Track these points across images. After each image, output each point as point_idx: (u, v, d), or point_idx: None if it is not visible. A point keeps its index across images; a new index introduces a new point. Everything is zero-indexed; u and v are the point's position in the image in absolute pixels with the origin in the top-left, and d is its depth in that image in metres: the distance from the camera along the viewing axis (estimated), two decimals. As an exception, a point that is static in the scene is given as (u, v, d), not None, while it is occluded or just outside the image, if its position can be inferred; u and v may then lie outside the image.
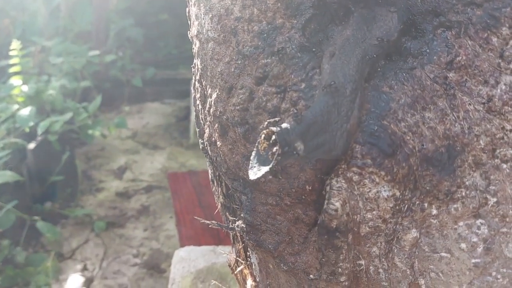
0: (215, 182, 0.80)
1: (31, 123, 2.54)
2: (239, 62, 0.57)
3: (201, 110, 0.70)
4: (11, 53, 2.87)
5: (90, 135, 2.96)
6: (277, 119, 0.48)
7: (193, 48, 0.67)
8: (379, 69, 0.52)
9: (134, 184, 2.81)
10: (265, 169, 0.47)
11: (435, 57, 0.48)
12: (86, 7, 4.72)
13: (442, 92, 0.47)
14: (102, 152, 3.25)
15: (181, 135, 3.69)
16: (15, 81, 2.79)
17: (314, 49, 0.52)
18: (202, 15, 0.60)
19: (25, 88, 2.70)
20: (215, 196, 0.84)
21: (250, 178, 0.47)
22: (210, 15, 0.58)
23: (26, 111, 2.53)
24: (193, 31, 0.65)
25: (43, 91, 2.74)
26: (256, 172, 0.48)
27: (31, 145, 2.36)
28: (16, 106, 2.67)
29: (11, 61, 2.85)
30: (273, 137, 0.46)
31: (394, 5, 0.51)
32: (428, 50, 0.48)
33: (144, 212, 2.51)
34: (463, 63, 0.46)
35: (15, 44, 2.81)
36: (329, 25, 0.54)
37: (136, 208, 2.55)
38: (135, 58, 4.94)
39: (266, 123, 0.49)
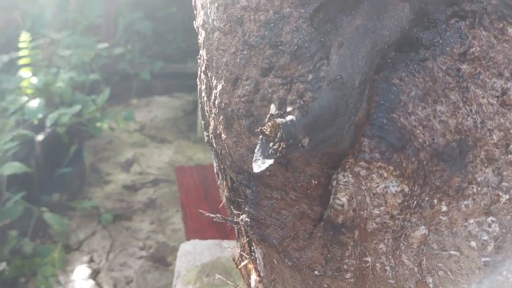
0: (220, 175, 0.79)
1: (40, 115, 2.55)
2: (245, 52, 0.55)
3: (206, 102, 0.69)
4: (20, 45, 2.87)
5: (98, 128, 2.97)
6: (280, 111, 0.47)
7: (199, 39, 0.66)
8: (389, 60, 0.50)
9: (141, 177, 2.81)
10: (269, 162, 0.46)
11: (447, 48, 0.46)
12: (96, 0, 4.72)
13: (454, 84, 0.45)
14: (110, 145, 3.25)
15: (188, 128, 3.69)
16: (24, 73, 2.80)
17: (322, 39, 0.51)
18: (208, 4, 0.59)
19: (34, 80, 2.70)
20: (220, 189, 0.83)
21: (254, 171, 0.45)
22: (216, 4, 0.57)
23: (35, 103, 2.54)
24: (199, 21, 0.64)
25: (52, 84, 2.74)
26: (260, 165, 0.47)
27: (40, 137, 2.37)
28: (25, 98, 2.68)
29: (21, 53, 2.86)
30: (279, 129, 0.45)
31: (406, -7, 0.49)
32: (440, 41, 0.47)
33: (151, 205, 2.51)
34: (477, 54, 0.45)
35: (25, 37, 2.82)
36: (338, 15, 0.52)
37: (143, 201, 2.55)
38: (143, 51, 4.94)
39: (270, 115, 0.47)
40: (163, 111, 4.11)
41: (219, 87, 0.60)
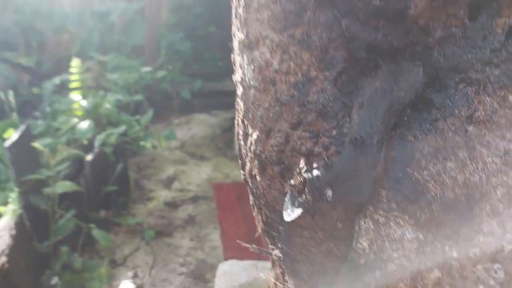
0: (255, 208, 0.86)
1: (89, 136, 2.73)
2: (277, 108, 0.63)
3: (243, 145, 0.76)
4: (72, 70, 3.09)
5: (142, 147, 3.13)
6: (308, 166, 0.54)
7: (237, 91, 0.74)
8: (405, 118, 0.56)
9: (182, 194, 2.93)
10: (298, 212, 0.53)
11: (456, 111, 0.52)
12: (139, 22, 4.97)
13: (462, 144, 0.51)
14: (153, 162, 3.41)
15: (225, 145, 3.80)
16: (75, 96, 3.00)
17: (344, 100, 0.58)
18: (245, 65, 0.67)
19: (83, 103, 2.90)
20: (256, 220, 0.90)
21: (284, 219, 0.53)
22: (252, 67, 0.65)
23: (84, 125, 2.72)
24: (237, 76, 0.72)
25: (100, 105, 2.93)
26: (290, 213, 0.54)
27: (89, 157, 2.53)
28: (75, 120, 2.87)
29: (72, 78, 3.07)
30: (306, 184, 0.52)
31: (419, 59, 0.56)
32: (450, 104, 0.52)
33: (191, 222, 2.62)
34: (482, 118, 0.50)
35: (75, 62, 3.02)
36: (359, 77, 0.59)
37: (183, 217, 2.66)
38: (184, 70, 5.14)
39: (299, 169, 0.54)
40: (202, 129, 4.26)
41: (255, 136, 0.68)
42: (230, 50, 0.75)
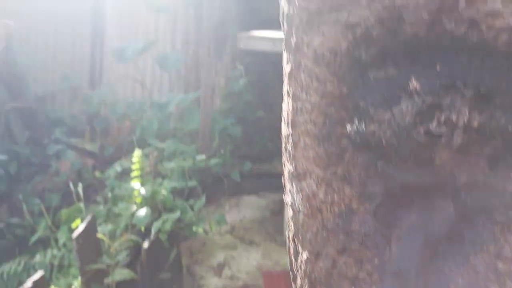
0: (306, 318, 0.91)
1: (146, 221, 2.89)
2: (324, 234, 0.71)
3: (294, 262, 0.84)
4: (133, 159, 3.35)
5: (194, 232, 3.24)
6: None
7: (288, 211, 0.84)
8: (440, 250, 0.62)
9: (232, 282, 2.96)
10: None
11: (485, 247, 0.58)
12: (195, 110, 5.34)
13: (493, 278, 0.56)
14: (204, 247, 3.49)
15: (275, 230, 3.83)
16: (135, 183, 3.22)
17: (383, 232, 0.65)
18: (295, 192, 0.77)
19: (142, 190, 3.10)
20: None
21: None
22: (301, 195, 0.75)
23: (142, 212, 2.89)
24: (287, 199, 0.82)
25: (157, 193, 3.11)
26: None
27: (145, 244, 2.67)
28: (134, 206, 3.06)
29: (133, 167, 3.31)
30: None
31: (450, 198, 0.63)
32: (479, 240, 0.58)
33: (241, 312, 2.62)
34: (509, 255, 0.56)
35: (137, 153, 3.28)
36: (396, 209, 0.66)
37: (233, 307, 2.67)
38: (233, 152, 5.36)
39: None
40: (251, 212, 4.34)
41: (304, 256, 0.76)
42: (279, 132, 0.85)
